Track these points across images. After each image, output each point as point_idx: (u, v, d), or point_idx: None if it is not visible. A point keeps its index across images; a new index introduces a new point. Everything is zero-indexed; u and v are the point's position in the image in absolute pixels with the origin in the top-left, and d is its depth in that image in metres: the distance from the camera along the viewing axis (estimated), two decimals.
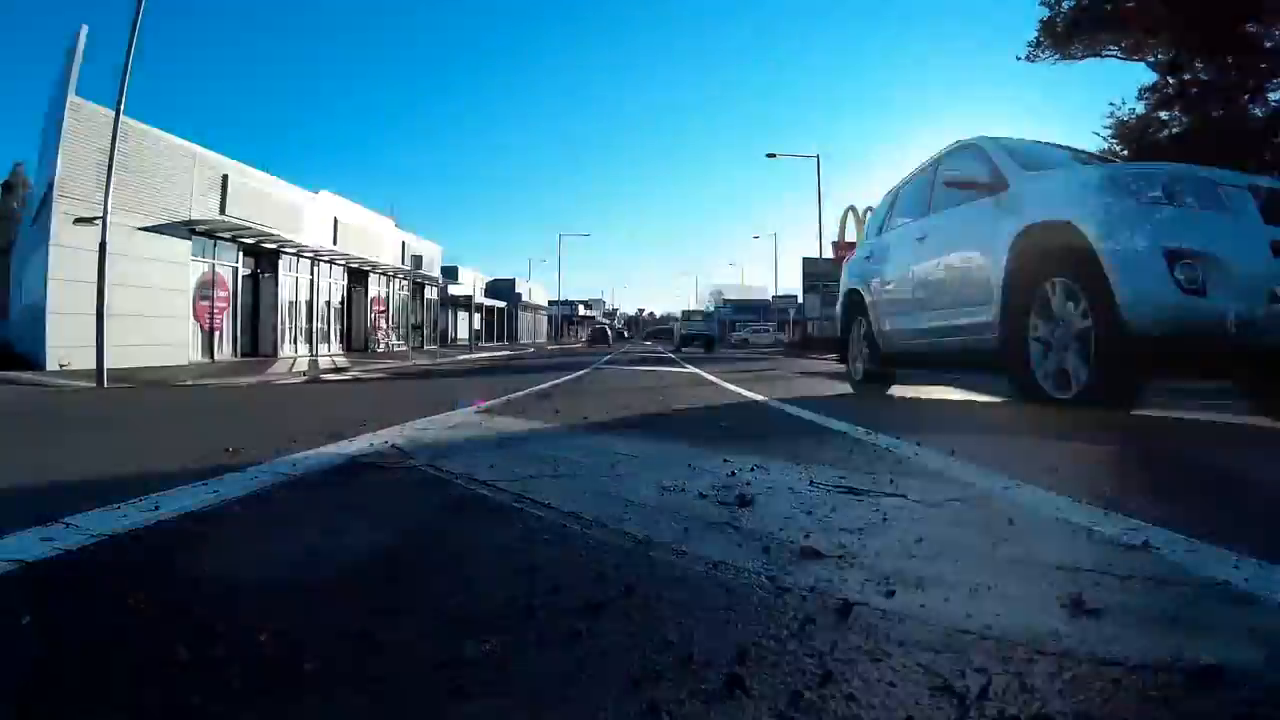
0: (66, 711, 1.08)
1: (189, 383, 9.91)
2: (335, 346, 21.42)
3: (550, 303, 60.01)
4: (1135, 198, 3.94)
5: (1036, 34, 17.97)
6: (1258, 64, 14.33)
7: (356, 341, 22.88)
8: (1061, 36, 17.49)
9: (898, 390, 7.78)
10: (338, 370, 13.92)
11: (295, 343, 19.32)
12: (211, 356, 15.24)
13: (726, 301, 76.89)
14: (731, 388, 8.57)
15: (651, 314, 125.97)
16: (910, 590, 1.60)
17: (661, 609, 1.50)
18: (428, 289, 29.14)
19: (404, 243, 26.04)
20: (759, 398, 7.12)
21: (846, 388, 8.95)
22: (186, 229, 14.38)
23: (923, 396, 7.27)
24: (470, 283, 36.21)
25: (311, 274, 19.97)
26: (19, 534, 2.02)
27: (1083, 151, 6.73)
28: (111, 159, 9.70)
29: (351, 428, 4.40)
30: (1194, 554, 1.87)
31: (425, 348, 27.27)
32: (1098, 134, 16.57)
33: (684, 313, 53.71)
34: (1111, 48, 17.51)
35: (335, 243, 20.51)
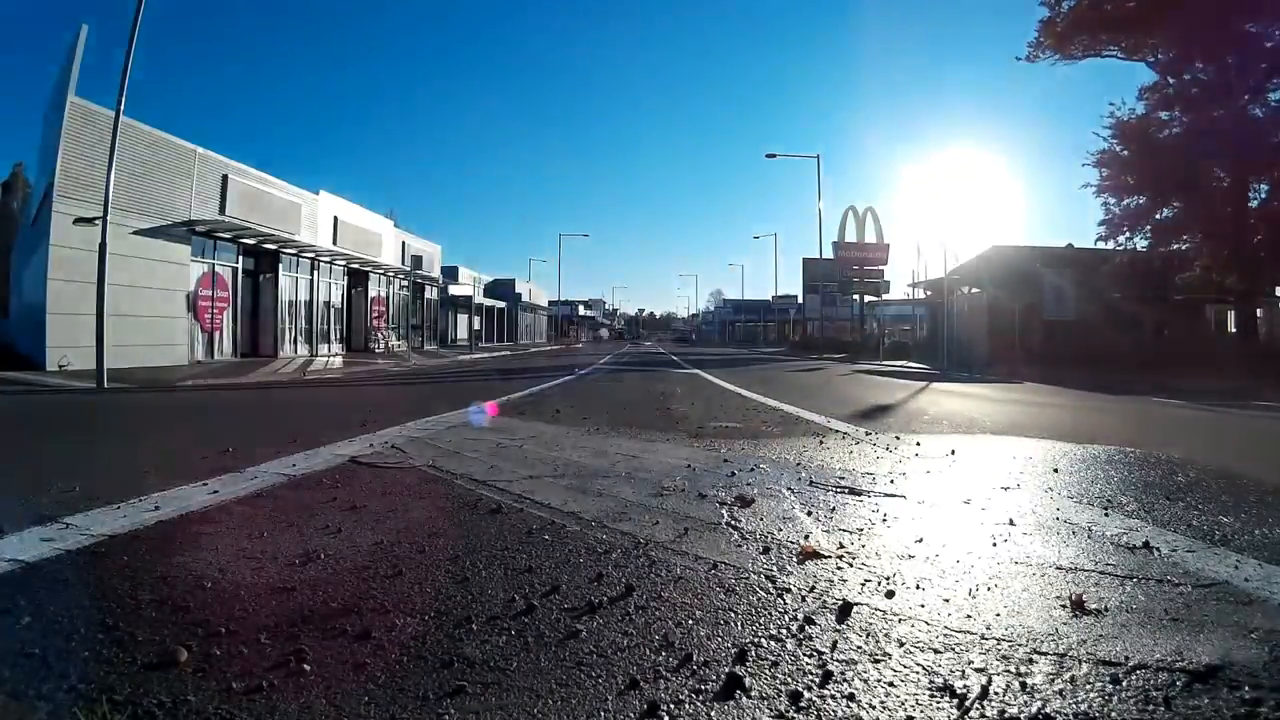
0: (68, 711, 1.08)
1: (189, 383, 9.90)
2: (335, 347, 21.39)
3: (550, 303, 60.03)
4: None
5: (1036, 34, 17.98)
6: (1258, 64, 14.34)
7: (356, 342, 22.85)
8: (1061, 36, 17.51)
9: None
10: (337, 371, 13.91)
11: (295, 343, 19.29)
12: (211, 356, 15.22)
13: (726, 301, 77.65)
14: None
15: (651, 314, 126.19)
16: (910, 590, 1.60)
17: (661, 609, 1.51)
18: (427, 289, 29.11)
19: (404, 243, 26.02)
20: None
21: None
22: (186, 229, 14.36)
23: None
24: (470, 283, 36.18)
25: (311, 274, 19.95)
26: (19, 534, 2.02)
27: None
28: (111, 159, 9.68)
29: (351, 428, 4.40)
30: (1194, 554, 1.87)
31: (425, 348, 27.25)
32: (1098, 134, 16.60)
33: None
34: (1111, 48, 17.51)
35: (335, 243, 20.47)
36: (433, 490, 2.70)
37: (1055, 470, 3.07)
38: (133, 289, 12.62)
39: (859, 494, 2.59)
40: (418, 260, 22.15)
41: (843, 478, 2.88)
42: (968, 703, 1.09)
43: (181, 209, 14.62)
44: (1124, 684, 1.15)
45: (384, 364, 16.38)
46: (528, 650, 1.30)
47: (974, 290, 19.60)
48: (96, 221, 10.08)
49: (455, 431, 4.38)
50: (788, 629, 1.38)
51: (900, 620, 1.42)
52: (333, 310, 21.74)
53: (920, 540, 1.98)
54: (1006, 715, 1.06)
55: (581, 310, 73.19)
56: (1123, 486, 2.74)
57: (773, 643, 1.32)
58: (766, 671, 1.21)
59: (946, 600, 1.53)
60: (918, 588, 1.61)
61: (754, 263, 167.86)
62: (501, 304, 43.48)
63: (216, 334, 15.90)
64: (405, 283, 26.32)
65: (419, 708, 1.10)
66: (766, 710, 1.09)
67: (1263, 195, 14.66)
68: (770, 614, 1.46)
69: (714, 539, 2.02)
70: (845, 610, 1.47)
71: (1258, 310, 18.30)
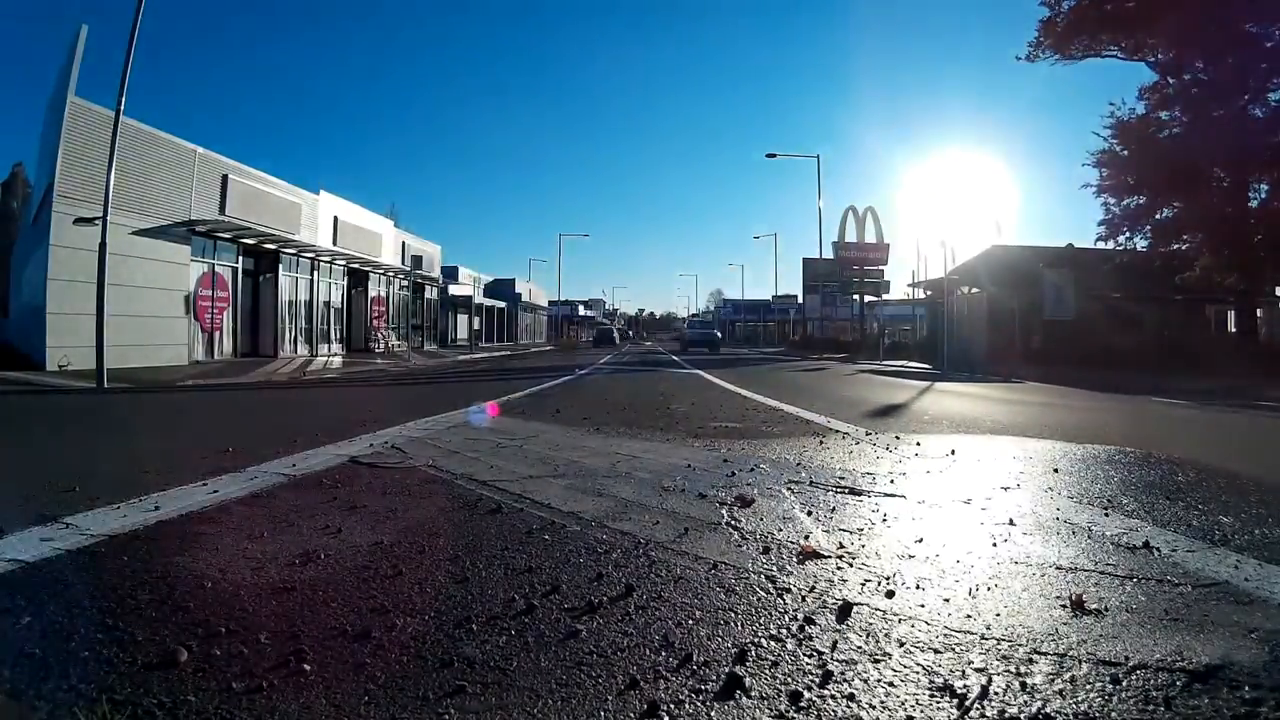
0: (68, 711, 1.08)
1: (189, 383, 9.90)
2: (335, 347, 21.38)
3: (550, 303, 60.01)
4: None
5: (1036, 34, 17.99)
6: (1258, 64, 14.35)
7: (356, 342, 22.83)
8: (1062, 36, 17.52)
9: None
10: (337, 370, 13.92)
11: (295, 343, 19.28)
12: (211, 356, 15.21)
13: (726, 301, 77.51)
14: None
15: (652, 314, 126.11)
16: (910, 590, 1.60)
17: (661, 609, 1.51)
18: (428, 289, 29.08)
19: (404, 243, 26.01)
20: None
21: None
22: (186, 229, 14.37)
23: None
24: (470, 283, 36.15)
25: (311, 274, 19.93)
26: (19, 534, 2.02)
27: None
28: (111, 159, 9.68)
29: (351, 428, 4.39)
30: (1194, 554, 1.87)
31: (425, 348, 27.24)
32: (1098, 134, 16.59)
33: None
34: (1111, 48, 17.52)
35: (335, 243, 20.46)
36: (433, 490, 2.70)
37: (1055, 470, 3.07)
38: (133, 289, 12.62)
39: (859, 494, 2.59)
40: (418, 260, 22.13)
41: (843, 478, 2.88)
42: (968, 703, 1.09)
43: (181, 209, 14.61)
44: (1124, 684, 1.15)
45: (384, 364, 16.37)
46: (528, 650, 1.30)
47: (974, 290, 19.61)
48: (96, 221, 10.07)
49: (455, 431, 4.38)
50: (788, 629, 1.38)
51: (900, 620, 1.42)
52: (333, 310, 21.73)
53: (920, 540, 1.98)
54: (1006, 715, 1.06)
55: (582, 310, 73.07)
56: (1123, 486, 2.74)
57: (773, 643, 1.32)
58: (766, 671, 1.21)
59: (946, 600, 1.53)
60: (918, 588, 1.61)
61: (754, 263, 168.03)
62: (501, 304, 43.43)
63: (216, 334, 15.89)
64: (405, 283, 26.31)
65: (419, 708, 1.10)
66: (766, 710, 1.09)
67: (1263, 195, 14.66)
68: (770, 614, 1.46)
69: (714, 539, 2.02)
70: (845, 610, 1.47)
71: (1258, 310, 18.29)
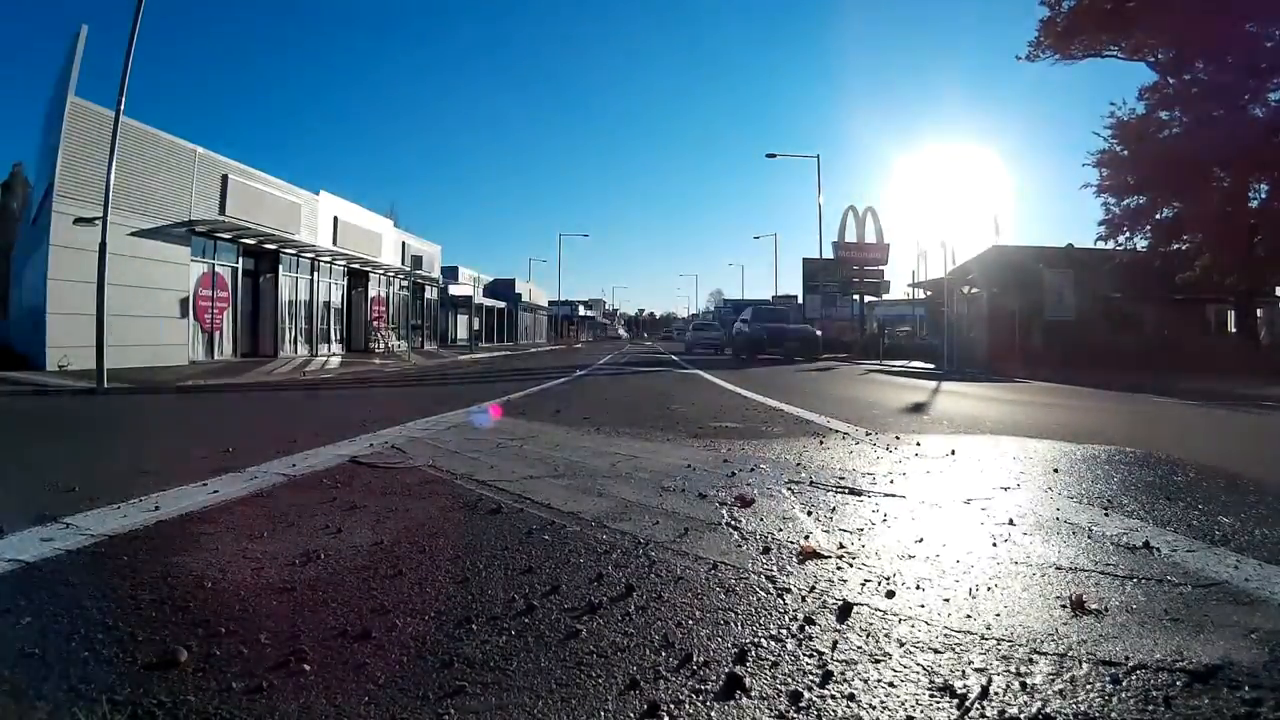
0: (68, 711, 1.08)
1: (189, 383, 9.90)
2: (335, 347, 21.38)
3: (550, 303, 60.00)
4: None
5: (1037, 34, 17.98)
6: (1258, 64, 14.34)
7: (356, 342, 22.83)
8: (1062, 36, 17.52)
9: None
10: (337, 371, 13.91)
11: (295, 343, 19.27)
12: (211, 356, 15.20)
13: (726, 301, 77.73)
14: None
15: (652, 314, 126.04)
16: (910, 590, 1.60)
17: (661, 609, 1.50)
18: (427, 289, 29.09)
19: (404, 243, 26.01)
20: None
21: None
22: (186, 230, 14.37)
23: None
24: (470, 283, 36.14)
25: (311, 274, 19.92)
26: (19, 534, 2.02)
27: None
28: (111, 159, 9.67)
29: (351, 428, 4.39)
30: (1194, 554, 1.87)
31: (425, 348, 27.23)
32: (1098, 134, 16.59)
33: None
34: (1111, 48, 17.52)
35: (335, 243, 20.46)
36: (433, 490, 2.70)
37: (1055, 470, 3.07)
38: (133, 289, 12.61)
39: (859, 494, 2.59)
40: (418, 260, 22.12)
41: (843, 478, 2.88)
42: (968, 703, 1.09)
43: (181, 209, 14.61)
44: (1124, 684, 1.15)
45: (384, 364, 16.36)
46: (528, 650, 1.30)
47: (974, 290, 19.62)
48: (96, 221, 10.07)
49: (455, 431, 4.38)
50: (788, 629, 1.38)
51: (900, 620, 1.42)
52: (332, 310, 21.72)
53: (920, 540, 1.98)
54: (1006, 715, 1.06)
55: (582, 310, 73.04)
56: (1123, 486, 2.75)
57: (773, 643, 1.32)
58: (767, 671, 1.21)
59: (946, 600, 1.53)
60: (918, 588, 1.61)
61: (754, 263, 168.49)
62: (501, 304, 43.41)
63: (216, 334, 15.89)
64: (405, 283, 26.30)
65: (419, 708, 1.10)
66: (767, 710, 1.09)
67: (1263, 195, 14.67)
68: (770, 614, 1.46)
69: (714, 539, 2.02)
70: (845, 610, 1.47)
71: (1258, 310, 18.28)
